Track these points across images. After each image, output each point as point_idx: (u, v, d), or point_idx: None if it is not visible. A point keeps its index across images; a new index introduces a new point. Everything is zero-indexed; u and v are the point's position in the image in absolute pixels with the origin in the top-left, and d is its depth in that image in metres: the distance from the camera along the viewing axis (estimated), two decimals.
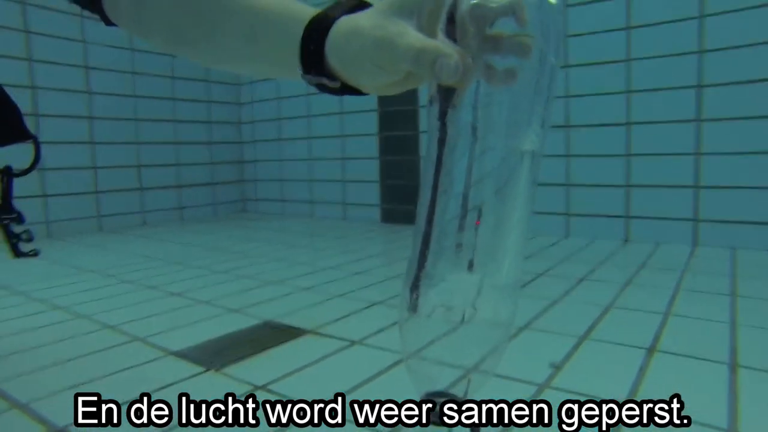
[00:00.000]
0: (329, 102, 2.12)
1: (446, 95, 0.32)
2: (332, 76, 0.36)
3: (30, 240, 0.65)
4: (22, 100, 1.73)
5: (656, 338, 0.71)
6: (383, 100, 1.95)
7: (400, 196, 1.95)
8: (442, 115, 0.32)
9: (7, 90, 0.64)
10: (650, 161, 1.41)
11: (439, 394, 0.35)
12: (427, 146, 0.34)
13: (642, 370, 0.61)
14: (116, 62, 2.00)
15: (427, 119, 0.34)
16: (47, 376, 0.65)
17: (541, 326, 0.78)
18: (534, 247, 1.39)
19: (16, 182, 0.64)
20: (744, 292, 0.92)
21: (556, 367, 0.63)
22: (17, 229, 0.64)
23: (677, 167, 1.37)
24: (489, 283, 0.33)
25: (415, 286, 0.34)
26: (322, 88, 0.38)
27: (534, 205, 0.34)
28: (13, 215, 0.63)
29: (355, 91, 0.37)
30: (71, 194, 1.88)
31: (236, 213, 2.49)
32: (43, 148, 1.82)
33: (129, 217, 2.07)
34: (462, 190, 0.32)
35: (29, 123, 1.76)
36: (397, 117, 1.93)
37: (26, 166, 0.65)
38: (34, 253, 0.66)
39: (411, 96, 1.87)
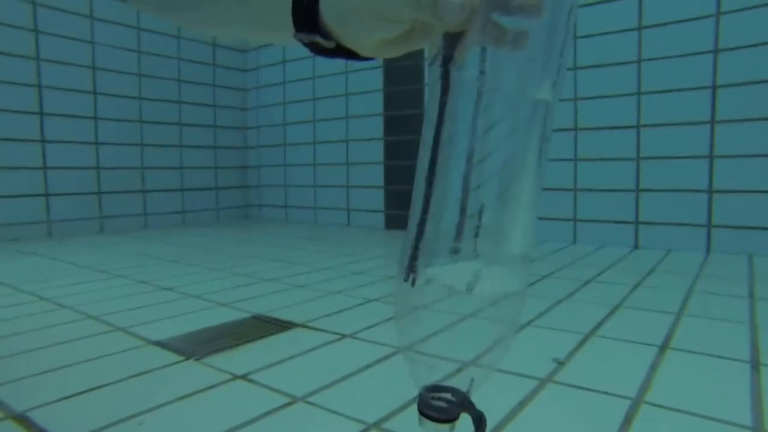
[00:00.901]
0: (335, 106, 2.10)
1: (451, 42, 0.28)
2: (327, 35, 0.33)
3: None
4: (27, 98, 1.74)
5: (669, 336, 0.66)
6: (390, 104, 1.93)
7: (405, 201, 1.91)
8: (446, 62, 0.28)
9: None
10: (661, 165, 1.36)
11: (441, 388, 0.30)
12: (428, 100, 0.30)
13: (654, 367, 0.56)
14: (123, 63, 2.00)
15: (428, 76, 0.30)
16: (13, 362, 0.62)
17: (545, 323, 0.73)
18: (539, 253, 1.34)
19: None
20: (763, 295, 0.87)
21: (560, 363, 0.58)
22: None
23: (690, 171, 1.33)
24: (498, 253, 0.28)
25: (413, 257, 0.29)
26: (316, 49, 0.35)
27: (546, 166, 0.30)
28: None
29: (351, 54, 0.34)
30: (74, 194, 1.86)
31: (239, 219, 2.46)
32: (47, 148, 1.80)
33: (131, 219, 2.05)
34: (467, 145, 0.28)
35: (32, 121, 1.77)
36: (403, 121, 1.90)
37: None
38: None
39: (418, 99, 1.85)
